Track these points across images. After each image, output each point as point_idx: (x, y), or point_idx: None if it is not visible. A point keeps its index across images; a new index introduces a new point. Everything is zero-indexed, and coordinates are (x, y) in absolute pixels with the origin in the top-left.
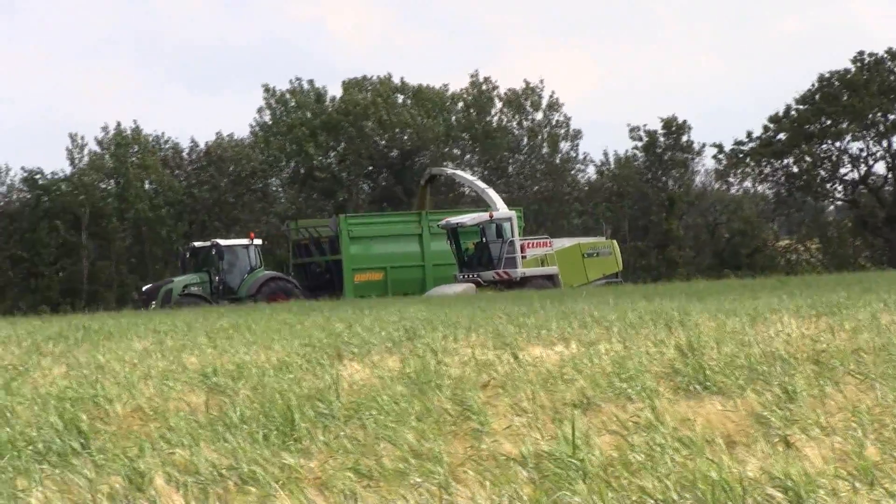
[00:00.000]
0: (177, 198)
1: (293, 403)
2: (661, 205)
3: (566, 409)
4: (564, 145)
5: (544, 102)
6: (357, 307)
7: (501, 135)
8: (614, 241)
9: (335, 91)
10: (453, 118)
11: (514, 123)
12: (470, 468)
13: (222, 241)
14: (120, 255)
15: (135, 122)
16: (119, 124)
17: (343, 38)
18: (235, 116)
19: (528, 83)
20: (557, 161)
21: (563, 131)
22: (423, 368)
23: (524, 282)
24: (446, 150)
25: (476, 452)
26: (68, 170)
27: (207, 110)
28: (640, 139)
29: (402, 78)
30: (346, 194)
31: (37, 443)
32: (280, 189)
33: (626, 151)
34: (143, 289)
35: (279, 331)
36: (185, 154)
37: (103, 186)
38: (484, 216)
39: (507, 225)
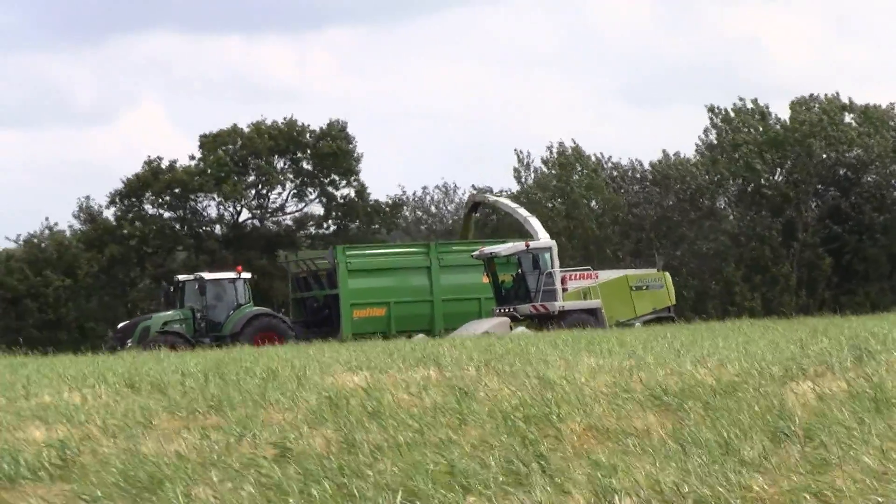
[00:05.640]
0: (622, 216)
1: (746, 424)
2: None
3: None
4: None
5: None
6: (806, 326)
7: None
8: (666, 273)
9: (777, 108)
10: None
11: None
12: None
13: (206, 275)
14: None
15: (573, 140)
16: (561, 143)
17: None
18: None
19: None
20: None
21: None
22: (879, 387)
23: (563, 316)
24: (894, 167)
25: None
26: (515, 188)
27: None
28: None
29: (849, 98)
30: (794, 212)
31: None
32: (728, 207)
33: None
34: (119, 326)
35: (733, 347)
36: (628, 173)
37: (549, 206)
38: (520, 245)
39: (546, 255)
